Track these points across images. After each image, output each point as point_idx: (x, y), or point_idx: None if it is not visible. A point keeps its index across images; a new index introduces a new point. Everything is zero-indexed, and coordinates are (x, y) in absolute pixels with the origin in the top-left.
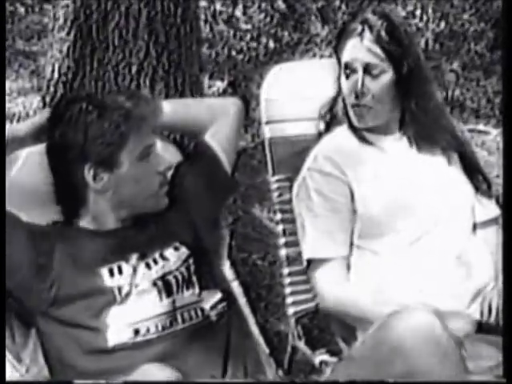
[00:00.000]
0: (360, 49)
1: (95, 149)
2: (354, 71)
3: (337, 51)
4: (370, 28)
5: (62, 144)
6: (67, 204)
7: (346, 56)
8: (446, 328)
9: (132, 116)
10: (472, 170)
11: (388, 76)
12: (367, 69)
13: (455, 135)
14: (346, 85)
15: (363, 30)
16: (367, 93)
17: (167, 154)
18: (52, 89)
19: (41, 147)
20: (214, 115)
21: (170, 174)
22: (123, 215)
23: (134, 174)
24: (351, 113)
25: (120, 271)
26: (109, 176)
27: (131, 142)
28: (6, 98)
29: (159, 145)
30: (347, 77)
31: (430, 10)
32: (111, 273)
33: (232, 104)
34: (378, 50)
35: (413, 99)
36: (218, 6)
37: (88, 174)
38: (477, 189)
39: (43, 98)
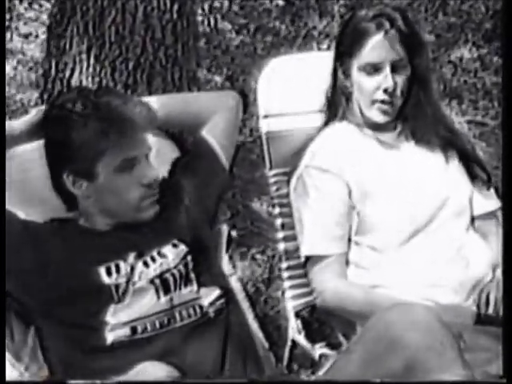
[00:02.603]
0: (385, 46)
1: (72, 158)
2: (380, 67)
3: (345, 49)
4: (392, 23)
5: (50, 144)
6: (65, 199)
7: (368, 53)
8: (444, 321)
9: (110, 131)
10: (471, 163)
11: (409, 71)
12: (394, 65)
13: (453, 129)
14: (368, 81)
15: (382, 24)
16: (397, 88)
17: (165, 150)
18: (50, 85)
19: (37, 144)
20: (211, 109)
21: (156, 184)
22: (110, 222)
23: (110, 186)
24: (373, 109)
25: (117, 270)
26: (87, 184)
27: (108, 155)
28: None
29: (156, 144)
30: (370, 74)
31: (427, 2)
32: (109, 271)
33: (229, 97)
34: (401, 45)
35: (418, 94)
36: (215, 1)
37: (67, 179)
38: (476, 182)
39: (41, 95)
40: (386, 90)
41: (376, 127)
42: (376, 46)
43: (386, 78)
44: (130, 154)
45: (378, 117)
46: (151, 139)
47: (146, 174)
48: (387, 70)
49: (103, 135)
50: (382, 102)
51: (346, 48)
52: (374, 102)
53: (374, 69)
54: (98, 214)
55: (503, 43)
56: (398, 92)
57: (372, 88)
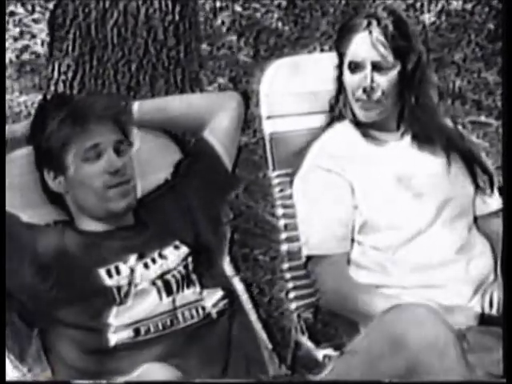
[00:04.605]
0: (368, 44)
1: (45, 151)
2: (362, 66)
3: (339, 45)
4: (378, 22)
5: (33, 143)
6: (52, 200)
7: (352, 51)
8: (446, 322)
9: (69, 120)
10: (473, 163)
11: (395, 71)
12: (376, 64)
13: (452, 131)
14: (352, 80)
15: (370, 24)
16: (377, 88)
17: (167, 152)
18: (53, 87)
19: None
20: (212, 110)
21: (123, 173)
22: (95, 218)
23: (79, 177)
24: (357, 107)
25: (118, 272)
26: (64, 179)
27: (73, 145)
28: (8, 97)
29: (159, 146)
30: (353, 72)
31: (430, 2)
32: (109, 274)
33: (231, 98)
34: (386, 45)
35: (413, 95)
36: (218, 2)
37: (48, 176)
38: (478, 182)
39: (44, 97)
40: (364, 90)
41: (378, 127)
42: (359, 45)
43: (365, 78)
44: (91, 141)
45: (360, 115)
46: (153, 140)
47: (111, 161)
48: (368, 69)
49: (63, 125)
50: (362, 101)
51: (340, 45)
52: (356, 100)
53: (356, 67)
54: (81, 214)
55: (504, 43)
56: (379, 92)
57: (354, 86)
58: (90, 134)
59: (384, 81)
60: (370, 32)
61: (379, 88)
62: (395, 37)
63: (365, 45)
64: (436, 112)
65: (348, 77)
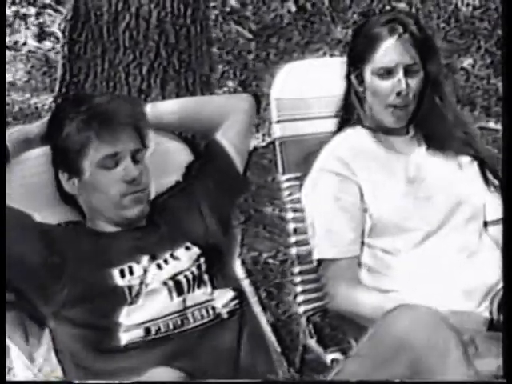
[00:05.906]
0: (398, 49)
1: (61, 152)
2: (394, 71)
3: (358, 54)
4: (405, 28)
5: (49, 142)
6: (65, 200)
7: (380, 58)
8: (448, 323)
9: (90, 126)
10: (484, 168)
11: (421, 74)
12: (407, 68)
13: (470, 132)
14: (384, 85)
15: (395, 29)
16: (410, 92)
17: (179, 154)
18: (64, 90)
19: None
20: (224, 112)
21: (139, 182)
22: (109, 224)
23: (94, 182)
24: (387, 114)
25: (131, 272)
26: (78, 181)
27: (91, 150)
28: (19, 98)
29: (171, 148)
30: (384, 77)
31: (439, 9)
32: (122, 273)
33: (243, 100)
34: (414, 50)
35: (435, 99)
36: (228, 7)
37: (62, 176)
38: (489, 187)
39: (55, 99)
40: (399, 94)
41: (389, 131)
42: (389, 50)
43: (399, 82)
44: (111, 149)
45: (390, 122)
46: (165, 142)
47: (128, 170)
48: (400, 73)
49: (84, 129)
50: (396, 106)
51: (359, 53)
52: (387, 106)
53: (387, 73)
54: (93, 215)
55: (505, 48)
56: (411, 96)
57: (386, 92)
58: (111, 142)
59: (414, 85)
60: (400, 36)
61: (411, 92)
62: (421, 40)
63: (396, 50)
64: (450, 115)
65: (375, 83)
